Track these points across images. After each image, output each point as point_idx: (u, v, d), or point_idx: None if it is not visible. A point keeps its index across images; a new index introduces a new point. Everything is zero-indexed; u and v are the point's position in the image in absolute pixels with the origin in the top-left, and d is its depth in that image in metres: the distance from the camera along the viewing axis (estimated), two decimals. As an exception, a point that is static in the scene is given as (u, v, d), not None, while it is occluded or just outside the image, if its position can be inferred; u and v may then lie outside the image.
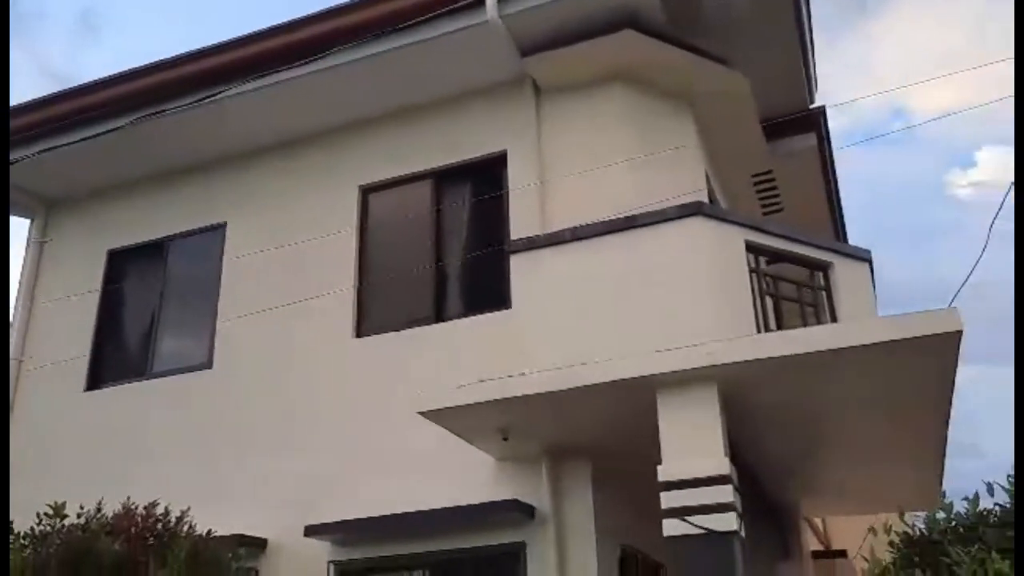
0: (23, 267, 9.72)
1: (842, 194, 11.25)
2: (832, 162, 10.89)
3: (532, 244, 6.66)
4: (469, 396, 5.97)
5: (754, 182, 9.90)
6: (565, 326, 6.28)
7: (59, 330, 9.28)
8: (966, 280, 7.70)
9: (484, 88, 8.30)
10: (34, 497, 5.77)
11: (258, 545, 7.39)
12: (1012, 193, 6.13)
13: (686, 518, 5.41)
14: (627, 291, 6.25)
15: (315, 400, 7.80)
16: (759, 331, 6.16)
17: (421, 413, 6.18)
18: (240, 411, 8.05)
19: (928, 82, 8.53)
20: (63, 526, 4.78)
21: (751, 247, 6.37)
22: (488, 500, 6.71)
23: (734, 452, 6.99)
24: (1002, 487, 3.67)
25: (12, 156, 9.11)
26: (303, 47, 8.16)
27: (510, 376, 5.93)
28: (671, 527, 5.44)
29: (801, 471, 7.91)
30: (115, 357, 9.09)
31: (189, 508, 5.48)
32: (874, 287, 7.22)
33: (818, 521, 10.50)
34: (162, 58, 8.80)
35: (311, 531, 7.07)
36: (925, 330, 5.18)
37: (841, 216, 11.53)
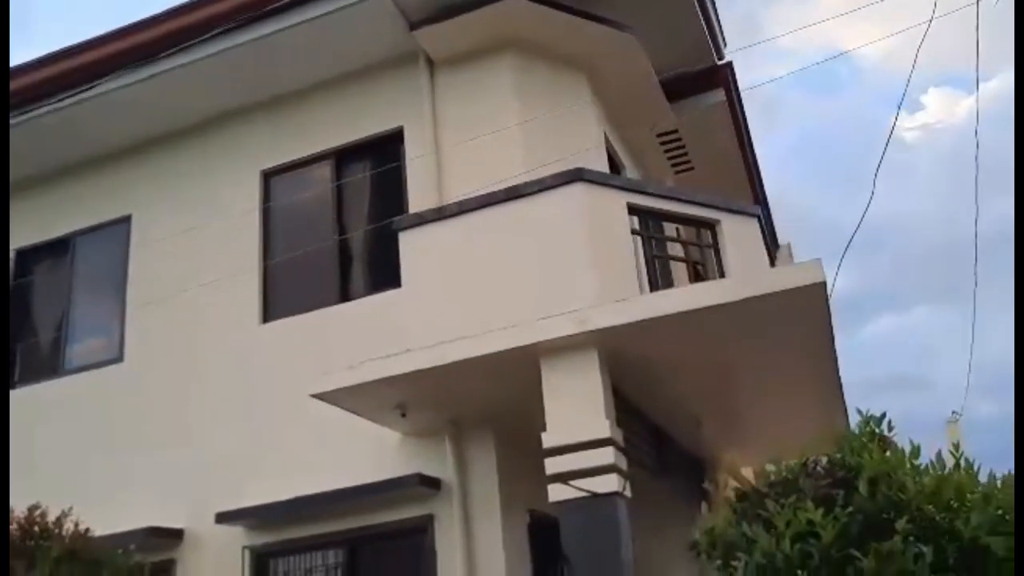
0: (-70, 272, 9.56)
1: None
2: (743, 116, 10.95)
3: (420, 220, 6.67)
4: (355, 377, 6.01)
5: (660, 142, 9.94)
6: (453, 300, 6.31)
7: (-30, 333, 9.17)
8: (859, 224, 7.83)
9: (378, 64, 8.25)
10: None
11: (174, 535, 7.44)
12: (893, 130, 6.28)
13: (570, 482, 5.52)
14: (513, 261, 6.29)
15: (225, 387, 7.81)
16: (644, 293, 6.24)
17: (313, 395, 6.22)
18: (152, 403, 8.04)
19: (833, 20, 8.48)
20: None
21: (634, 210, 6.43)
22: (394, 476, 6.78)
23: (640, 413, 7.14)
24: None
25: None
26: (191, 31, 8.06)
27: (394, 354, 5.97)
28: (556, 492, 5.55)
29: (711, 425, 8.04)
30: (28, 357, 9.02)
31: (71, 507, 5.46)
32: (766, 240, 7.33)
33: (747, 471, 10.69)
34: (49, 51, 8.69)
35: (222, 518, 7.13)
36: (788, 284, 5.30)
37: (756, 169, 11.62)
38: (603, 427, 5.58)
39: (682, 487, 8.61)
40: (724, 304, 5.33)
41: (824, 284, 5.30)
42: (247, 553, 7.19)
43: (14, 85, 8.64)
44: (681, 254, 7.22)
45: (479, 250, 6.39)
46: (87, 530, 5.31)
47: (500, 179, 6.95)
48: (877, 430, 3.65)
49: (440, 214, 6.60)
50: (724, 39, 10.52)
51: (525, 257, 6.26)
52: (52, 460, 8.12)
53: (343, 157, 8.31)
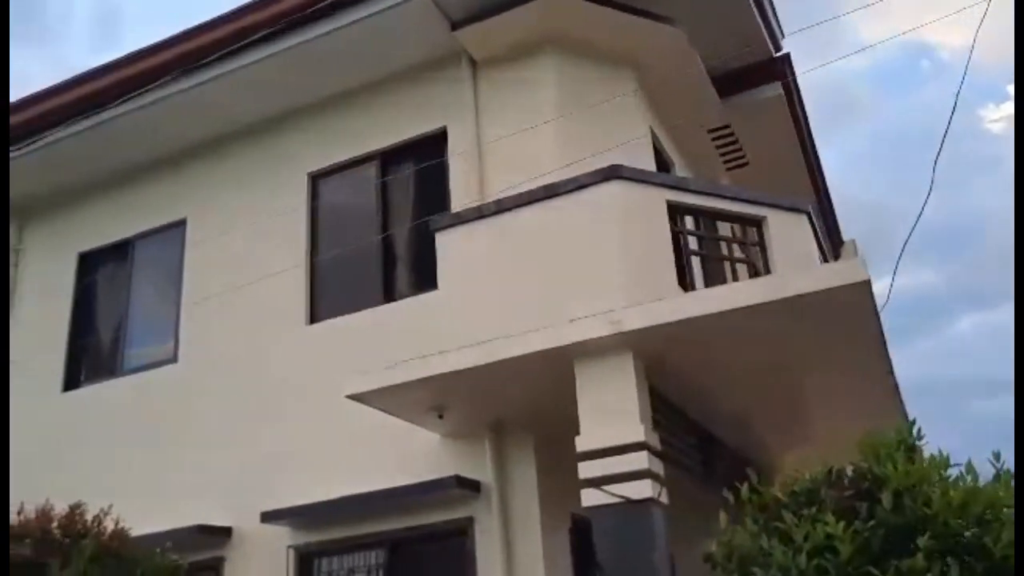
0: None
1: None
2: (803, 110, 10.62)
3: (456, 220, 6.63)
4: (387, 379, 6.00)
5: (712, 138, 9.69)
6: (488, 301, 6.25)
7: (37, 333, 9.50)
8: (917, 219, 7.50)
9: (421, 66, 8.24)
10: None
11: (222, 534, 7.55)
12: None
13: (603, 488, 5.40)
14: (548, 261, 6.19)
15: (271, 388, 7.89)
16: (685, 292, 6.08)
17: (348, 396, 6.23)
18: (203, 404, 8.19)
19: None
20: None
21: (674, 207, 6.26)
22: (433, 478, 6.75)
23: (684, 416, 6.96)
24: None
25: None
26: (238, 36, 8.18)
27: (425, 356, 5.93)
28: (590, 497, 5.43)
29: (762, 428, 7.80)
30: (88, 357, 9.30)
31: (111, 505, 5.57)
32: (818, 237, 7.06)
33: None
34: (110, 60, 8.92)
35: (267, 517, 7.21)
36: (826, 283, 5.08)
37: (818, 164, 11.26)
38: (637, 431, 5.43)
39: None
40: (759, 305, 5.14)
41: (866, 283, 5.05)
42: (291, 552, 7.25)
43: (76, 94, 8.89)
44: (736, 253, 7.03)
45: (514, 250, 6.31)
46: (123, 529, 5.41)
47: (543, 178, 6.86)
48: (907, 438, 3.43)
49: (477, 214, 6.54)
50: (781, 31, 10.23)
51: (560, 257, 6.15)
52: (111, 458, 8.33)
53: (388, 158, 8.33)
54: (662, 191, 6.27)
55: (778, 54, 10.15)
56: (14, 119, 9.15)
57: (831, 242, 12.83)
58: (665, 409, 6.42)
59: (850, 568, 3.03)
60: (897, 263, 7.20)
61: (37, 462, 8.75)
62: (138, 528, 6.62)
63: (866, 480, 3.31)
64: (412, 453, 7.02)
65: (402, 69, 8.28)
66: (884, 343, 6.03)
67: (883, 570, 2.97)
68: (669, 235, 6.15)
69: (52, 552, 4.93)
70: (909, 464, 3.18)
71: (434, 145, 8.11)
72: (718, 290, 5.67)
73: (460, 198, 7.64)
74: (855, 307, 5.36)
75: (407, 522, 6.92)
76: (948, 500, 3.01)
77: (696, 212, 6.41)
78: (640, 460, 5.38)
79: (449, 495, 6.72)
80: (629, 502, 5.32)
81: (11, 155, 9.09)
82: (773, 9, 9.83)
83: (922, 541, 2.90)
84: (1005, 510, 3.05)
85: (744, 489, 3.82)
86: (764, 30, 9.70)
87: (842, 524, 3.15)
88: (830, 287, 5.02)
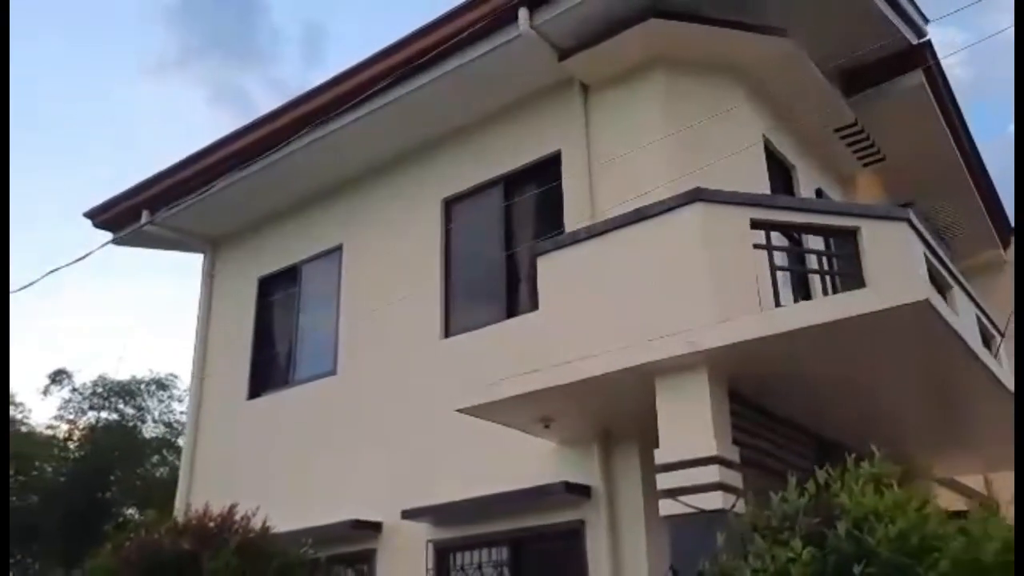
0: (200, 296, 11.52)
1: None
2: (950, 97, 10.17)
3: (555, 245, 7.09)
4: (488, 394, 6.61)
5: (840, 136, 9.51)
6: (580, 322, 6.68)
7: (228, 349, 10.94)
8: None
9: (537, 93, 8.77)
10: (197, 494, 7.29)
11: (373, 528, 8.49)
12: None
13: (677, 498, 5.73)
14: (636, 283, 6.51)
15: (412, 397, 8.74)
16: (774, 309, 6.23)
17: (458, 410, 6.91)
18: (356, 411, 9.18)
19: None
20: (146, 529, 6.02)
21: (758, 225, 6.41)
22: (544, 483, 7.30)
23: (792, 424, 7.08)
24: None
25: (185, 203, 10.80)
26: (379, 79, 9.02)
27: (522, 374, 6.48)
28: (666, 507, 5.78)
29: (878, 440, 7.69)
30: (267, 369, 10.59)
31: (259, 507, 6.55)
32: (927, 243, 6.92)
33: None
34: (283, 102, 10.00)
35: (407, 515, 8.05)
36: (881, 304, 5.12)
37: (975, 152, 10.69)
38: (709, 445, 5.71)
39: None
40: (813, 327, 5.27)
41: (924, 303, 5.05)
42: (430, 546, 8.05)
43: (261, 133, 10.01)
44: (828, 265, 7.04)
45: (605, 273, 6.68)
46: (267, 526, 6.36)
47: (652, 194, 7.16)
48: (881, 471, 3.59)
49: (572, 239, 6.97)
50: (924, 17, 9.85)
51: (647, 278, 6.47)
52: (282, 460, 9.56)
53: (511, 182, 8.94)
54: (745, 210, 6.43)
55: (918, 41, 9.81)
56: (205, 162, 10.52)
57: (999, 233, 12.08)
58: (761, 417, 6.62)
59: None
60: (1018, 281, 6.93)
61: (227, 461, 10.17)
62: (299, 522, 7.73)
63: (836, 508, 3.52)
64: (531, 460, 7.58)
65: (521, 97, 8.84)
66: (977, 360, 5.89)
67: (830, 595, 3.20)
68: (752, 253, 6.32)
69: (207, 545, 5.94)
70: (862, 497, 3.36)
71: (551, 168, 8.62)
72: (785, 310, 5.82)
73: (573, 218, 8.11)
74: (926, 326, 5.35)
75: (526, 523, 7.51)
76: (887, 532, 3.19)
77: (782, 228, 6.53)
78: (711, 473, 5.65)
79: (560, 499, 7.24)
80: (701, 512, 5.61)
81: (200, 195, 10.51)
82: (911, -1, 9.52)
83: (858, 569, 3.11)
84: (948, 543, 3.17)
85: (747, 511, 4.08)
86: (900, 19, 9.43)
87: (807, 550, 3.40)
88: (882, 308, 5.07)
